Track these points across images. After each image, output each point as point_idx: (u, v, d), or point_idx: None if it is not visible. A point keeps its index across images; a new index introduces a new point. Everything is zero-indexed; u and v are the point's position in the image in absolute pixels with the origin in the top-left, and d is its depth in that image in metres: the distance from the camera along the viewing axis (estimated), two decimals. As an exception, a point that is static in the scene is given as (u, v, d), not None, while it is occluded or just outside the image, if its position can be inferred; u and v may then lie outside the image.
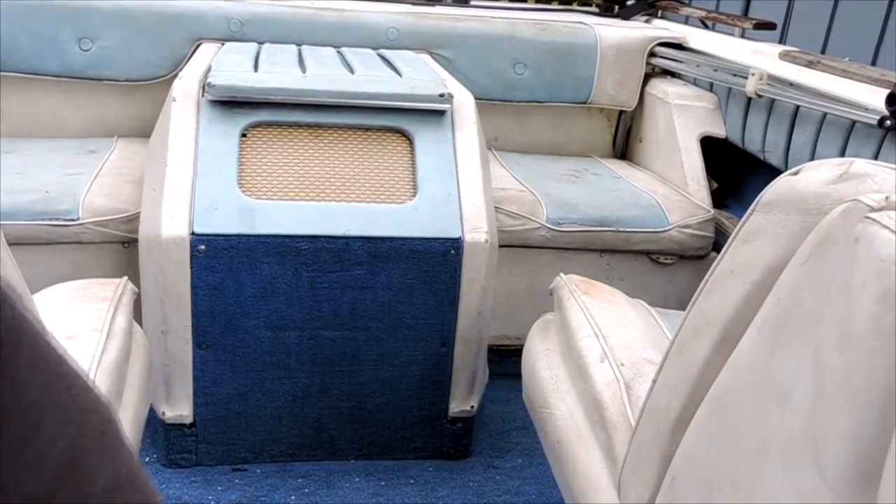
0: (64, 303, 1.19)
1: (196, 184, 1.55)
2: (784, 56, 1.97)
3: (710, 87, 2.28)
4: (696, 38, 2.39)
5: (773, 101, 1.97)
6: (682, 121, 2.24)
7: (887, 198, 0.64)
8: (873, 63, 3.04)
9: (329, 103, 1.66)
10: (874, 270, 0.61)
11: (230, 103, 1.63)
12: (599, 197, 2.06)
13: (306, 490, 1.66)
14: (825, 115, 1.79)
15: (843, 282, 0.64)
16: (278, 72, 1.76)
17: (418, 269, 1.60)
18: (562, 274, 1.44)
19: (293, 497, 1.64)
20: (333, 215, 1.58)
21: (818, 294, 0.67)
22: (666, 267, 2.05)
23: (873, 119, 1.61)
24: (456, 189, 1.64)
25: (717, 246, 2.06)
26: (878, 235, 0.62)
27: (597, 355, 1.19)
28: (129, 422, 1.12)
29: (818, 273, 0.68)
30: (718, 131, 2.20)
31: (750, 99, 2.04)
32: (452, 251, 1.60)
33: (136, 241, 1.71)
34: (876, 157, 1.62)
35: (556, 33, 2.35)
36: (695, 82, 2.34)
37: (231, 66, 1.76)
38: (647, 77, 2.42)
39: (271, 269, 1.55)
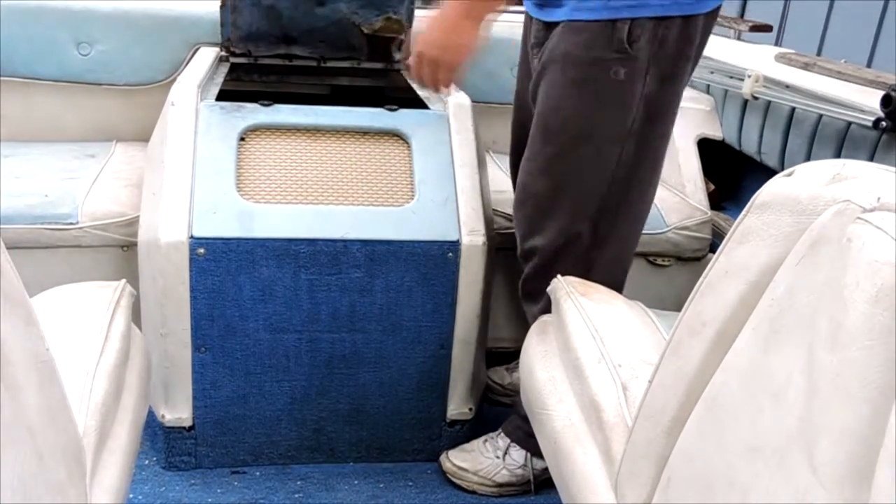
0: (62, 306, 1.20)
1: (195, 187, 1.56)
2: (780, 58, 1.98)
3: (707, 90, 2.29)
4: (693, 40, 2.39)
5: (769, 103, 1.97)
6: (679, 123, 2.24)
7: (879, 198, 0.65)
8: (869, 65, 3.05)
9: (327, 106, 1.67)
10: (867, 270, 0.62)
11: (228, 107, 1.64)
12: (597, 199, 2.06)
13: (305, 492, 1.66)
14: (821, 116, 1.80)
15: (836, 282, 0.64)
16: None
17: (416, 271, 1.61)
18: (559, 276, 1.45)
19: (292, 499, 1.64)
20: (332, 218, 1.58)
21: (812, 294, 0.68)
22: (663, 269, 2.05)
23: (868, 121, 1.62)
24: (454, 192, 1.65)
25: (715, 248, 2.06)
26: (871, 236, 0.62)
27: (594, 357, 1.19)
28: (127, 424, 1.12)
29: (812, 273, 0.68)
30: (715, 133, 2.21)
31: (746, 101, 2.05)
32: (450, 254, 1.61)
33: (135, 244, 1.72)
34: (871, 159, 1.63)
35: (553, 36, 2.35)
36: (691, 84, 2.35)
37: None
38: None
39: (270, 272, 1.56)
